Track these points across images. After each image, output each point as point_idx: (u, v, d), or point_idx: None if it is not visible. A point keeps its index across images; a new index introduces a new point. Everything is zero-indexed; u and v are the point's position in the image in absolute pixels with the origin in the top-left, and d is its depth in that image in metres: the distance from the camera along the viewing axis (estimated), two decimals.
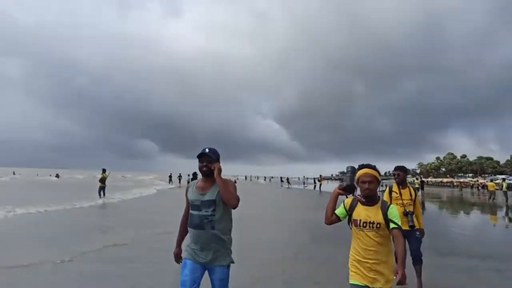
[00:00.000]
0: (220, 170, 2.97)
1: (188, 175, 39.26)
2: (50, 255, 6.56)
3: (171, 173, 49.85)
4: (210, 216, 2.94)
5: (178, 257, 3.20)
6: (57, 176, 59.26)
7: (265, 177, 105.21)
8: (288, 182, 55.05)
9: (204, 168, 3.02)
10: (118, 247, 7.68)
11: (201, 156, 3.04)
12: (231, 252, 3.06)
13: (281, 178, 77.47)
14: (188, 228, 3.06)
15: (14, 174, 66.72)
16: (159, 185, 39.88)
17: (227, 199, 2.91)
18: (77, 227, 10.44)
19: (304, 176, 56.16)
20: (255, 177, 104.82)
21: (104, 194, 20.17)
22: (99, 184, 20.55)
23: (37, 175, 67.56)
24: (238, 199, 2.95)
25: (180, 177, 46.27)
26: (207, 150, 3.04)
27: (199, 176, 3.18)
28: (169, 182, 45.77)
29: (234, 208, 2.98)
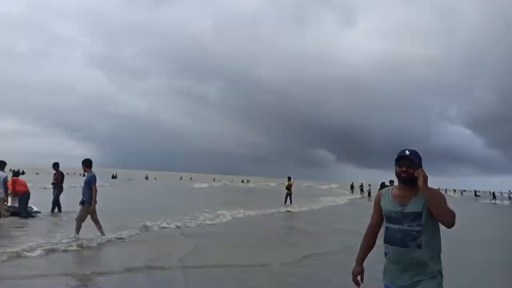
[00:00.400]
0: (426, 178, 2.34)
1: (369, 185, 38.31)
2: (276, 257, 7.22)
3: (352, 182, 50.30)
4: (415, 232, 2.35)
5: (357, 277, 2.59)
6: (247, 181, 67.17)
7: (454, 190, 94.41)
8: (494, 198, 47.40)
9: (404, 174, 2.43)
10: (331, 253, 7.97)
11: (401, 159, 2.46)
12: (442, 277, 2.40)
13: (475, 191, 69.16)
14: (385, 245, 2.51)
15: (214, 180, 78.41)
16: (344, 195, 40.22)
17: (440, 215, 2.29)
18: (287, 230, 11.73)
19: (510, 191, 47.92)
20: (443, 190, 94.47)
21: (291, 201, 21.19)
22: (285, 191, 21.80)
23: (232, 181, 77.80)
24: (454, 216, 2.28)
25: (362, 186, 45.50)
26: (407, 152, 2.46)
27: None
28: (351, 192, 45.69)
29: (450, 226, 2.28)
